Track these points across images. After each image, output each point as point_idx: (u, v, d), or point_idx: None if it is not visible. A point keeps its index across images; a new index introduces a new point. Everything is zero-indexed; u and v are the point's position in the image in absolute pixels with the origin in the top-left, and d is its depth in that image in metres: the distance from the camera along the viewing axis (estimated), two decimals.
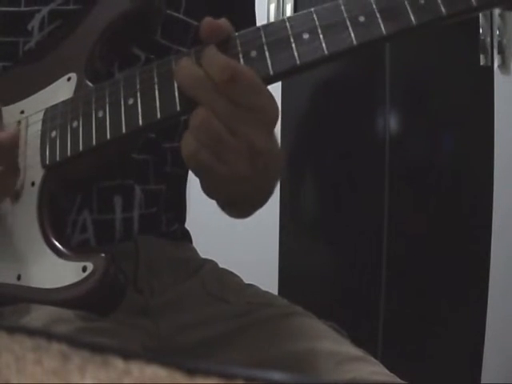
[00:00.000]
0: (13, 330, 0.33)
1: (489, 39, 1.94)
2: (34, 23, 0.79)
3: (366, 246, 2.05)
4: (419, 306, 1.99)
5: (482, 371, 1.95)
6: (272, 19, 2.08)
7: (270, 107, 0.62)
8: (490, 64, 1.95)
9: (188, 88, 0.62)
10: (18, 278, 0.70)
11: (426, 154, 2.05)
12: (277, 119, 0.63)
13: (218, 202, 0.87)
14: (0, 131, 0.72)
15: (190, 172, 0.91)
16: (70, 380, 0.30)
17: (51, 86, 0.76)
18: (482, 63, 1.95)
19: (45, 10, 0.79)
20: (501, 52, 1.95)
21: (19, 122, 0.76)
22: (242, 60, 0.64)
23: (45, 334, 0.32)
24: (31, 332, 0.32)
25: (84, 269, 0.66)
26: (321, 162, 2.15)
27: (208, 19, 0.64)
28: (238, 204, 0.80)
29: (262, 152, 0.63)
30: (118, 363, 0.30)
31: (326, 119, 2.13)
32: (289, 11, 2.08)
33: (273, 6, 2.08)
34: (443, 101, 2.02)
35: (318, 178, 2.17)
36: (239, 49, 0.65)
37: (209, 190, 0.71)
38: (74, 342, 0.31)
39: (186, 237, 0.92)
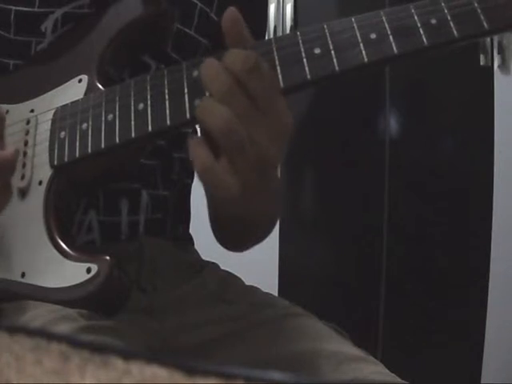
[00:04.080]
0: (13, 330, 0.33)
1: (489, 39, 1.94)
2: (48, 24, 0.79)
3: (365, 247, 2.05)
4: (419, 306, 1.99)
5: (482, 371, 1.95)
6: (272, 19, 2.08)
7: (285, 116, 0.62)
8: (490, 64, 1.95)
9: (210, 81, 0.61)
10: (23, 275, 0.71)
11: (426, 154, 2.05)
12: (289, 132, 0.63)
13: (219, 234, 0.87)
14: (1, 148, 0.71)
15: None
16: (70, 380, 0.30)
17: (62, 86, 0.76)
18: (482, 63, 1.95)
19: (59, 12, 0.79)
20: (501, 52, 1.95)
21: (28, 120, 0.76)
22: None
23: (45, 334, 0.32)
24: (31, 332, 0.32)
25: (88, 270, 0.67)
26: (321, 162, 2.14)
27: (232, 9, 0.63)
28: (244, 226, 0.79)
29: (271, 164, 0.63)
30: (118, 363, 0.30)
31: (326, 119, 2.12)
32: (289, 11, 2.08)
33: (273, 6, 2.08)
34: (443, 101, 2.02)
35: (317, 179, 2.17)
36: None
37: (216, 207, 0.70)
38: (74, 341, 0.31)
39: (189, 239, 0.92)
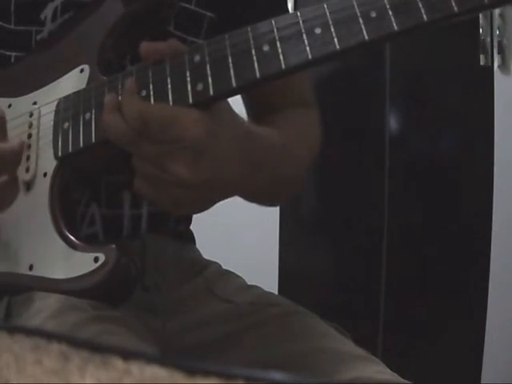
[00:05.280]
0: (13, 330, 0.33)
1: (489, 39, 1.94)
2: (47, 12, 0.79)
3: (366, 246, 2.04)
4: (419, 305, 1.99)
5: (482, 371, 1.95)
6: None
7: (187, 133, 0.63)
8: (490, 64, 1.95)
9: (118, 143, 0.65)
10: (30, 267, 0.71)
11: (426, 153, 2.05)
12: (200, 142, 0.63)
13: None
14: (3, 141, 0.72)
15: None
16: (69, 380, 0.30)
17: (64, 77, 0.76)
18: (482, 63, 1.95)
19: (58, 0, 0.79)
20: (501, 52, 1.95)
21: (31, 112, 0.76)
22: (254, 53, 0.64)
23: (44, 333, 0.32)
24: (31, 332, 0.32)
25: (96, 259, 0.67)
26: (320, 160, 2.14)
27: (144, 44, 0.67)
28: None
29: (193, 183, 0.63)
30: (118, 363, 0.30)
31: (325, 117, 2.12)
32: (289, 10, 2.08)
33: None
34: (443, 101, 2.02)
35: (317, 178, 2.17)
36: (251, 42, 0.65)
37: None
38: (73, 341, 0.31)
39: (191, 238, 0.92)
